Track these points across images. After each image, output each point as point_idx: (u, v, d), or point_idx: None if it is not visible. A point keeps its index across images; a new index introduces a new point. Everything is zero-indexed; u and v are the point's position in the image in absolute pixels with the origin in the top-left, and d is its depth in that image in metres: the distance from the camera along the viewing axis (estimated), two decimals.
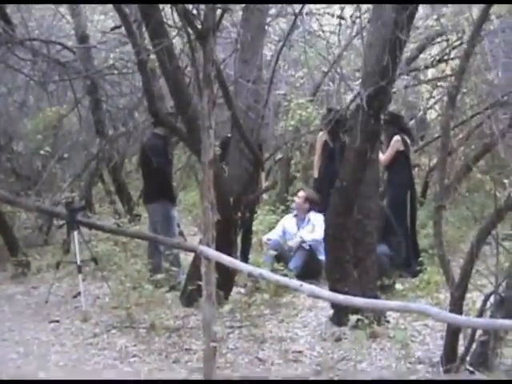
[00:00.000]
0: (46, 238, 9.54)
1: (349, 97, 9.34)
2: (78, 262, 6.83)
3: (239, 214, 6.16)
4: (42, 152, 9.01)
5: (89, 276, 7.85)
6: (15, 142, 9.87)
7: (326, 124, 8.32)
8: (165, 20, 4.85)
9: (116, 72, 7.39)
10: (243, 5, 6.28)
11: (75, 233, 6.89)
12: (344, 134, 8.33)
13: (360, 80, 6.84)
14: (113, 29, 7.81)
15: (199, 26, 4.21)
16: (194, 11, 4.18)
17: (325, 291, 3.53)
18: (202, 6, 4.21)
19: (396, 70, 5.08)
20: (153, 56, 7.08)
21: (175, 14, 5.10)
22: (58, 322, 6.41)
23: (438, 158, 5.17)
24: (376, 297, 5.99)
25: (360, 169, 5.40)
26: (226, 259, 4.11)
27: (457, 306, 4.68)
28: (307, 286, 3.50)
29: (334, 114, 8.53)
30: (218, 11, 4.47)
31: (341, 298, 3.39)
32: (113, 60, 9.05)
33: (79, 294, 7.13)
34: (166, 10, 4.89)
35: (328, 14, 10.00)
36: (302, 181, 11.38)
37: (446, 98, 11.93)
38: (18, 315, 6.74)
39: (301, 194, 7.98)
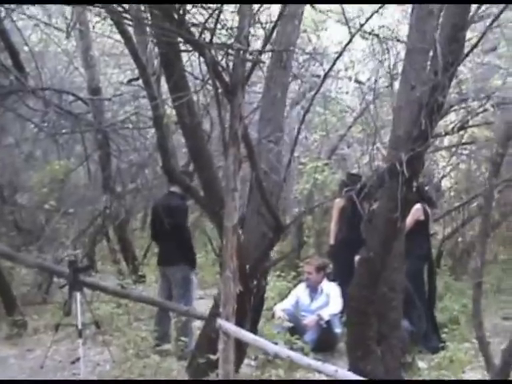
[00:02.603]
0: (46, 296, 9.09)
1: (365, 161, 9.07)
2: (79, 326, 6.38)
3: (255, 283, 5.74)
4: (46, 206, 8.65)
5: (89, 340, 7.37)
6: (19, 195, 9.51)
7: (347, 190, 8.04)
8: (189, 71, 4.55)
9: (130, 126, 7.11)
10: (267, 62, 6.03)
11: (78, 294, 6.48)
12: (364, 200, 8.00)
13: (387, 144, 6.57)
14: (130, 81, 7.57)
15: (227, 80, 3.93)
16: (223, 63, 3.86)
17: (363, 381, 3.11)
18: (231, 57, 3.93)
19: (432, 135, 4.77)
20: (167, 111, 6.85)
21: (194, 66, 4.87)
22: None
23: (479, 229, 4.80)
24: (400, 377, 5.56)
25: (390, 239, 5.05)
26: (248, 336, 3.71)
27: None
28: (342, 372, 3.10)
29: (355, 180, 8.27)
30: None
31: None
32: (125, 114, 8.83)
33: (78, 359, 6.68)
34: (188, 60, 4.59)
35: (346, 77, 9.82)
36: (315, 246, 10.99)
37: (462, 166, 11.73)
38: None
39: (308, 268, 7.44)
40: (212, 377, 5.56)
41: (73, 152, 9.32)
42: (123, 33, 5.19)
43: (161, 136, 5.79)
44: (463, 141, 10.62)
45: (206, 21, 3.55)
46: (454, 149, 10.94)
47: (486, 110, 8.78)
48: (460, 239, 11.55)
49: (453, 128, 9.73)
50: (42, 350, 7.04)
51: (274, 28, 3.95)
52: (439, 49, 4.09)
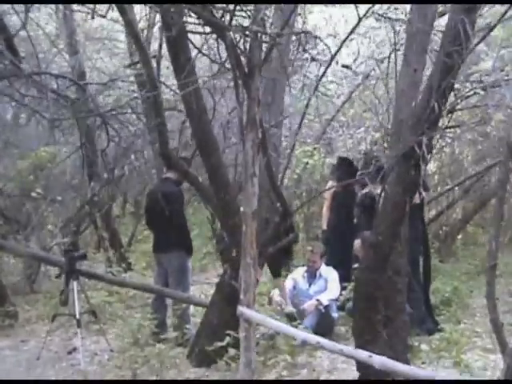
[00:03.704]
0: (33, 285, 8.92)
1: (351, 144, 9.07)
2: (77, 316, 6.27)
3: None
4: (33, 194, 8.45)
5: (83, 329, 7.23)
6: (2, 183, 9.27)
7: (338, 175, 8.08)
8: (206, 54, 4.43)
9: (129, 111, 6.98)
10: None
11: (74, 283, 6.36)
12: (356, 185, 7.98)
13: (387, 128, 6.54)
14: (129, 65, 7.39)
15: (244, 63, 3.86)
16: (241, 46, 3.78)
17: (399, 364, 3.09)
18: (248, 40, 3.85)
19: (440, 118, 4.76)
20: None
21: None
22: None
23: (494, 213, 4.80)
24: (407, 360, 5.57)
25: (398, 222, 5.02)
26: (272, 323, 3.66)
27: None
28: (378, 358, 3.08)
29: (347, 164, 8.29)
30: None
31: (421, 373, 2.97)
32: (105, 100, 8.67)
33: (74, 349, 6.60)
34: (205, 43, 4.47)
35: (334, 62, 9.72)
36: (304, 231, 10.97)
37: (447, 150, 11.79)
38: (8, 374, 6.07)
39: (314, 257, 7.37)
40: (220, 364, 5.53)
41: (58, 138, 9.11)
42: (124, 15, 5.04)
43: (161, 122, 5.69)
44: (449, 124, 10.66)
45: (228, 3, 3.47)
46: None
47: (476, 94, 8.85)
48: (445, 221, 11.64)
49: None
50: (36, 340, 6.93)
51: (293, 11, 3.88)
52: (463, 31, 4.04)
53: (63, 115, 6.82)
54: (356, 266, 6.89)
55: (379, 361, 3.01)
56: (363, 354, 3.08)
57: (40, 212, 8.64)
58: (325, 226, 8.47)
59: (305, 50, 4.46)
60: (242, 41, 3.80)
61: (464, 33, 4.27)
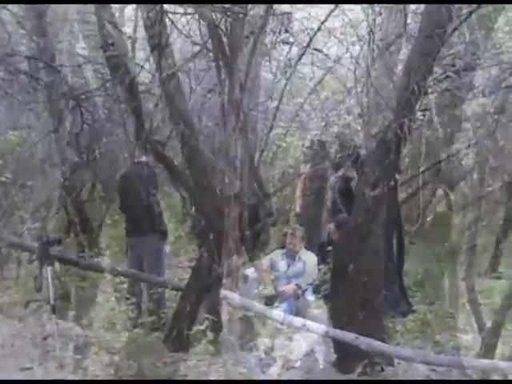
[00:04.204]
0: (3, 271, 8.76)
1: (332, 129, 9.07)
2: (52, 301, 6.17)
3: None
4: (2, 179, 8.28)
5: (57, 315, 7.15)
6: None
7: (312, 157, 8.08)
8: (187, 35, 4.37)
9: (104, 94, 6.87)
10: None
11: (48, 269, 6.26)
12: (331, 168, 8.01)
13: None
14: (103, 47, 7.20)
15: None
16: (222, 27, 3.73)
17: (385, 345, 3.12)
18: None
19: (419, 101, 4.78)
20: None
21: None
22: (30, 369, 5.75)
23: (476, 195, 4.86)
24: (384, 340, 5.62)
25: (376, 205, 5.05)
26: (256, 306, 3.65)
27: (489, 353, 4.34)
28: (364, 339, 3.10)
29: (320, 147, 8.31)
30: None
31: (406, 353, 3.00)
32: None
33: (49, 335, 6.50)
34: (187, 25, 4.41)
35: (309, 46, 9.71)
36: (277, 214, 10.95)
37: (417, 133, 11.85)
38: None
39: (295, 240, 7.34)
40: (199, 348, 5.51)
41: (28, 121, 8.93)
42: None
43: (137, 105, 5.61)
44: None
45: None
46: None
47: (448, 77, 8.90)
48: (415, 203, 11.71)
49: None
50: (8, 328, 6.81)
51: None
52: (447, 13, 4.06)
53: (35, 98, 6.66)
54: (330, 248, 6.95)
55: (365, 342, 3.04)
56: (349, 336, 3.09)
57: (10, 197, 8.47)
58: (298, 209, 8.48)
59: (287, 31, 4.42)
60: (223, 22, 3.75)
61: (448, 15, 4.30)
